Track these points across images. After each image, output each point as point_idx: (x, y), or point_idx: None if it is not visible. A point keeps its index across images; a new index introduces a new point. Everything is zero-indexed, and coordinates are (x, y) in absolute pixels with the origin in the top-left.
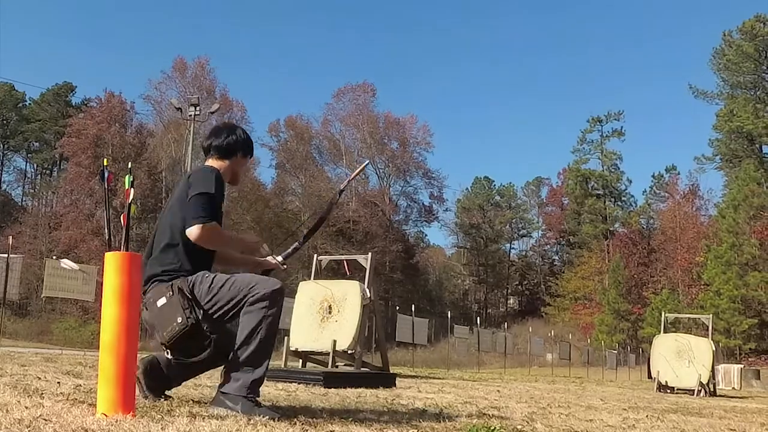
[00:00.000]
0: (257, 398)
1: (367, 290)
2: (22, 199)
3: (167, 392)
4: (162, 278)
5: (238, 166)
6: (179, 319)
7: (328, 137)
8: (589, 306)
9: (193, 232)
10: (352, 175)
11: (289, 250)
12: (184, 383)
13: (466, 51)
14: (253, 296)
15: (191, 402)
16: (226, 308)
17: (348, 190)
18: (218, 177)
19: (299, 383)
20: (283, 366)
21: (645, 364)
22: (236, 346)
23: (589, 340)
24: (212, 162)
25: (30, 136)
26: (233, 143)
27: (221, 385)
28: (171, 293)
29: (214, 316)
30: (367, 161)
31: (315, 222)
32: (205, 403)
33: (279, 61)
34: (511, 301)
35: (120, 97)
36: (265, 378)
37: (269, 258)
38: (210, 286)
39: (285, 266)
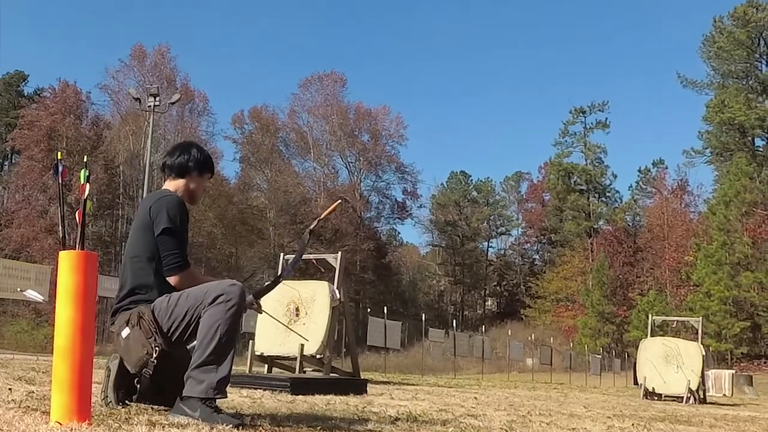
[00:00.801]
0: (217, 403)
1: (337, 291)
2: None
3: (127, 400)
4: (129, 307)
5: (195, 185)
6: (145, 350)
7: (295, 129)
8: (572, 308)
9: (173, 281)
10: (324, 214)
11: (262, 287)
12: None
13: (442, 38)
14: (210, 297)
15: (150, 409)
16: (186, 321)
17: (316, 186)
18: (181, 205)
19: (265, 390)
20: (247, 371)
21: (631, 369)
22: (196, 348)
23: (571, 344)
24: (169, 183)
25: None
26: (185, 162)
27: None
28: (133, 324)
29: (174, 338)
30: (340, 200)
31: (290, 262)
32: (166, 410)
33: (243, 49)
34: (489, 302)
35: (75, 87)
36: (230, 380)
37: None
38: (168, 303)
39: (255, 306)
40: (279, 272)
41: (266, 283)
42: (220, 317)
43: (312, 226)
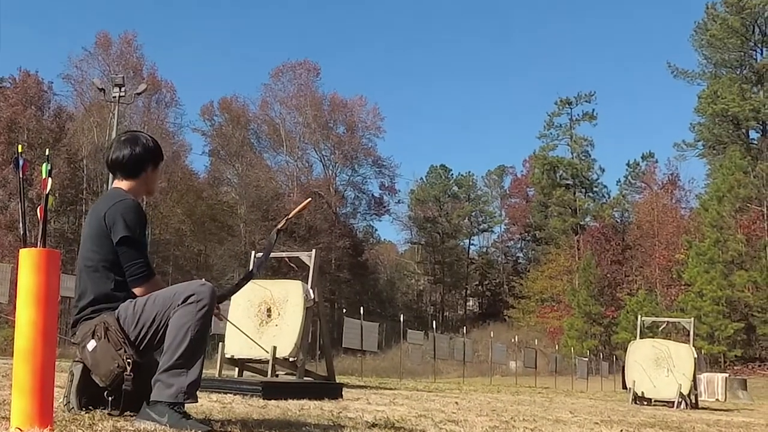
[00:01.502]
0: (186, 408)
1: (311, 291)
2: None
3: (91, 406)
4: (91, 317)
5: (150, 181)
6: (116, 363)
7: (267, 121)
8: (557, 308)
9: (139, 292)
10: (293, 212)
11: (230, 288)
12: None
13: (420, 26)
14: (180, 298)
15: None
16: (155, 327)
17: (289, 180)
18: (138, 209)
19: (235, 394)
20: (217, 375)
21: (619, 373)
22: (164, 350)
23: (557, 347)
24: (121, 182)
25: None
26: (140, 158)
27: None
28: (100, 336)
29: (143, 346)
30: (309, 199)
31: (257, 263)
32: (132, 416)
33: (213, 37)
34: (470, 303)
35: (36, 77)
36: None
37: None
38: (134, 309)
39: (217, 312)
40: (247, 271)
41: (234, 283)
42: (190, 318)
43: (280, 225)
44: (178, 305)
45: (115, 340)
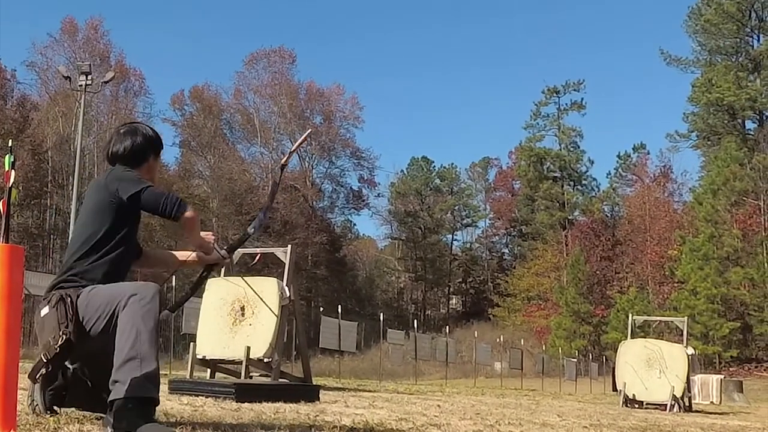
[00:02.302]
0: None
1: (287, 288)
2: None
3: (56, 407)
4: (62, 286)
5: (152, 170)
6: (53, 335)
7: (241, 111)
8: (545, 307)
9: (188, 215)
10: (295, 146)
11: (234, 242)
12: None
13: (400, 12)
14: (125, 296)
15: (82, 418)
16: (98, 314)
17: (264, 173)
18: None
19: (207, 397)
20: (188, 377)
21: (609, 374)
22: (116, 349)
23: (544, 347)
24: None
25: None
26: (140, 148)
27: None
28: (53, 305)
29: (89, 329)
30: (310, 130)
31: (263, 210)
32: (99, 420)
33: (183, 23)
34: (453, 301)
35: None
36: (160, 380)
37: (204, 243)
38: (89, 293)
39: (228, 259)
40: (250, 226)
41: (240, 235)
42: (135, 314)
43: (284, 160)
44: (124, 305)
45: (63, 313)
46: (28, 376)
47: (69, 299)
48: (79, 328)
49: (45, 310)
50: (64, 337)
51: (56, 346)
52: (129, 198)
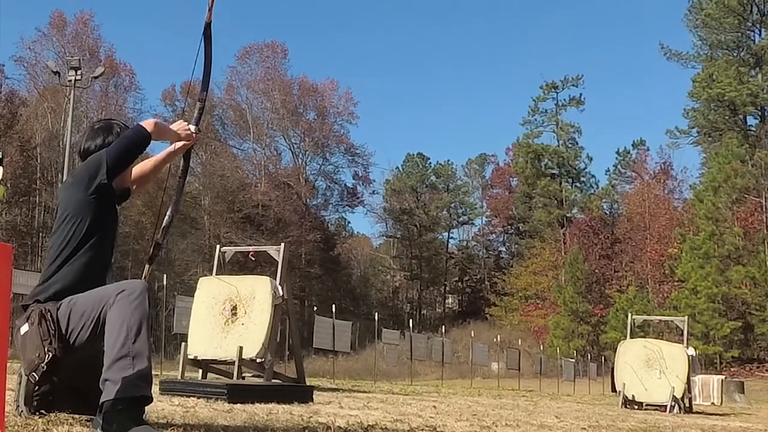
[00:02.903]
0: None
1: (279, 287)
2: None
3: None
4: (39, 300)
5: (125, 172)
6: (37, 353)
7: (233, 106)
8: (542, 306)
9: (151, 128)
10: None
11: (196, 113)
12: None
13: (395, 6)
14: (112, 295)
15: (71, 419)
16: (83, 322)
17: (256, 169)
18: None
19: (199, 397)
20: (180, 377)
21: (608, 375)
22: (106, 348)
23: (542, 347)
24: None
25: None
26: None
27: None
28: (33, 321)
29: (73, 341)
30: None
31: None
32: (89, 421)
33: (174, 17)
34: (449, 300)
35: None
36: (153, 380)
37: (181, 132)
38: (69, 303)
39: (199, 132)
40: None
41: (198, 106)
42: (125, 311)
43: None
44: (112, 303)
45: (45, 330)
46: (24, 404)
47: (49, 314)
48: (64, 343)
49: (25, 328)
50: (50, 354)
51: (43, 365)
52: (107, 172)
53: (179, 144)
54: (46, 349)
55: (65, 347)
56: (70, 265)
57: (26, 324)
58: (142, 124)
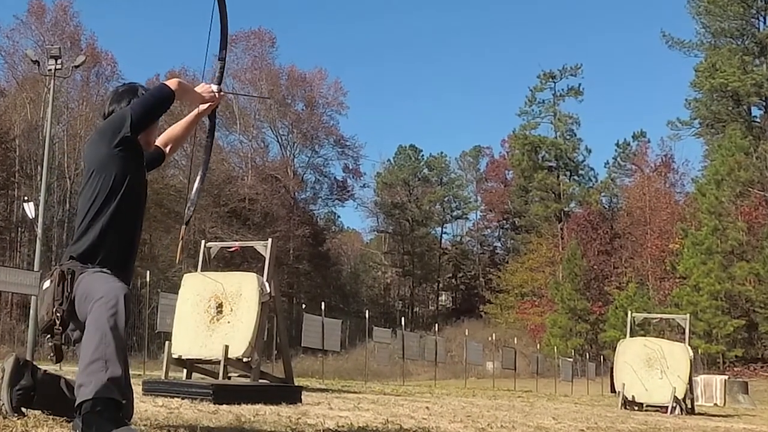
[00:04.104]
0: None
1: (267, 284)
2: None
3: (23, 408)
4: (72, 255)
5: (149, 133)
6: (47, 312)
7: None
8: (539, 304)
9: (175, 87)
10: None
11: (217, 73)
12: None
13: None
14: (94, 296)
15: (50, 421)
16: (77, 300)
17: (243, 162)
18: None
19: (184, 398)
20: (164, 377)
21: (607, 374)
22: (81, 351)
23: (538, 346)
24: None
25: None
26: None
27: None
28: (53, 279)
29: (79, 315)
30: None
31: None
32: (69, 423)
33: (157, 4)
34: (443, 297)
35: None
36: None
37: (205, 94)
38: (87, 277)
39: (222, 92)
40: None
41: (219, 66)
42: (101, 317)
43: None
44: (90, 310)
45: (60, 291)
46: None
47: (70, 276)
48: (71, 309)
49: (47, 284)
50: (59, 315)
51: (58, 327)
52: (131, 125)
53: (204, 105)
54: (54, 309)
55: (71, 313)
56: (98, 220)
57: (48, 280)
58: (166, 82)
